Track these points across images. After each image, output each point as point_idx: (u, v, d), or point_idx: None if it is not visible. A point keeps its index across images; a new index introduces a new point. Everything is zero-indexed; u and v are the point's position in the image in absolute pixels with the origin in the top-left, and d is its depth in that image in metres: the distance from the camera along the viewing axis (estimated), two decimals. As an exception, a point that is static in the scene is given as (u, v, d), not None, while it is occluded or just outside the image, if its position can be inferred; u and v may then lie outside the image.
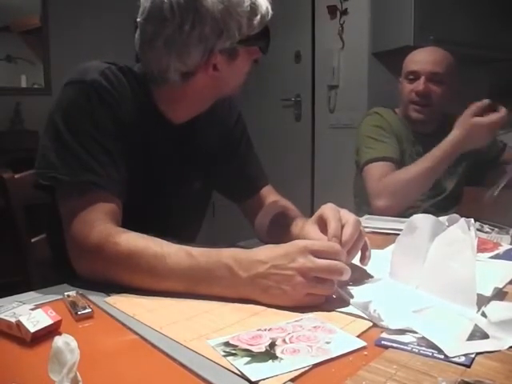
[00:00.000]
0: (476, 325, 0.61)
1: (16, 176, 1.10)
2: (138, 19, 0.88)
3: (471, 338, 0.58)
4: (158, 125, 0.95)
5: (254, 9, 0.87)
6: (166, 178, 0.98)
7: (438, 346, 0.55)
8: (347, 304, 0.69)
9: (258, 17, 0.88)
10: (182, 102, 0.95)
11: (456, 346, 0.55)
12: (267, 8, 0.90)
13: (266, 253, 0.71)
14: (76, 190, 0.81)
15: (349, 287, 0.74)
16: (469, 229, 0.70)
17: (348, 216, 0.80)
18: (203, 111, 1.00)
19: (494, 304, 0.68)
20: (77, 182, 0.81)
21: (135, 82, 0.92)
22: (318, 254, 0.69)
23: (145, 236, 0.77)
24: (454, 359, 0.53)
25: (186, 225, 1.07)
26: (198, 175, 1.05)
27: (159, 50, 0.86)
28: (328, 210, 0.82)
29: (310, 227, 0.86)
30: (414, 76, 1.60)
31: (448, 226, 0.74)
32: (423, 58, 1.60)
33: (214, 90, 0.94)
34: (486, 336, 0.58)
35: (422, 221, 0.76)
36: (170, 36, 0.85)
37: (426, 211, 0.93)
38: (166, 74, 0.89)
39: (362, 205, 1.63)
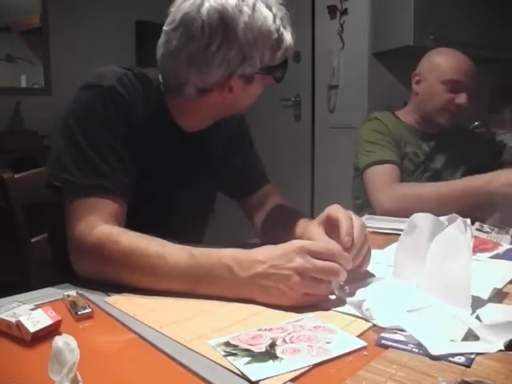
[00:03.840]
0: (468, 327, 0.60)
1: (16, 176, 1.10)
2: (166, 27, 0.88)
3: (462, 339, 0.58)
4: (169, 131, 0.97)
5: (279, 42, 0.89)
6: (175, 182, 0.99)
7: (422, 343, 0.55)
8: (344, 303, 0.69)
9: (282, 50, 0.90)
10: (192, 114, 0.97)
11: (440, 344, 0.55)
12: (291, 43, 0.92)
13: (265, 253, 0.71)
14: (84, 192, 0.82)
15: (348, 287, 0.74)
16: (465, 229, 0.70)
17: (355, 219, 0.81)
18: (210, 123, 1.02)
19: (489, 307, 0.68)
20: (87, 185, 0.82)
21: (150, 88, 0.93)
22: (315, 254, 0.69)
23: (145, 235, 0.78)
24: (454, 359, 0.53)
25: (192, 225, 1.09)
26: (205, 179, 1.07)
27: (181, 62, 0.87)
28: (337, 209, 0.83)
29: (314, 228, 0.86)
30: (457, 86, 1.55)
31: (447, 226, 0.74)
32: (467, 70, 1.55)
33: (224, 108, 0.97)
34: (476, 338, 0.58)
35: (422, 220, 0.77)
36: (195, 52, 0.85)
37: None
38: (182, 87, 0.90)
39: (365, 207, 1.63)
